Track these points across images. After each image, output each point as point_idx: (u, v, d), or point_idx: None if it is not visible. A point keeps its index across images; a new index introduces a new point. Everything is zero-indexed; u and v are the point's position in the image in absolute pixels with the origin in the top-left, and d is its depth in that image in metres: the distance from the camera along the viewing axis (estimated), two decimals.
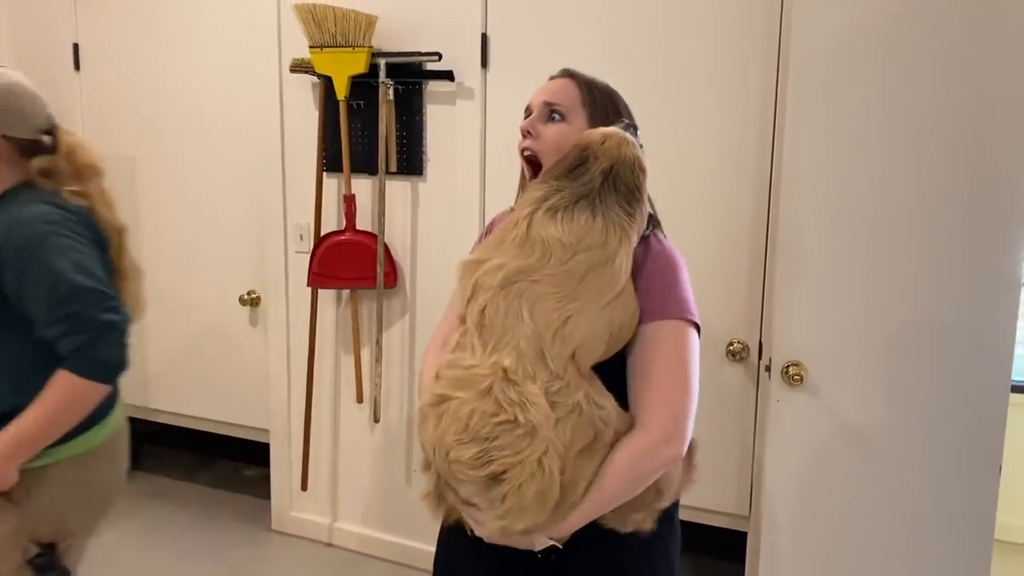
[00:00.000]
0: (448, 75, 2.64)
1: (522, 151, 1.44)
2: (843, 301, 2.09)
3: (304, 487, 3.05)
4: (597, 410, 1.22)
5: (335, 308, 2.99)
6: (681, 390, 1.29)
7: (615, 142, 1.31)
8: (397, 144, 2.74)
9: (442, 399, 1.22)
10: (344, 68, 2.67)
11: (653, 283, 1.32)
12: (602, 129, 1.34)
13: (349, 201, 2.79)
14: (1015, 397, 2.12)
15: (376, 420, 2.89)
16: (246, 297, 3.16)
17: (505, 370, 1.19)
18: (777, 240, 2.14)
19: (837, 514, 2.17)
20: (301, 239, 3.00)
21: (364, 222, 2.85)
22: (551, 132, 1.41)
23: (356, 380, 2.93)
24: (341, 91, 2.70)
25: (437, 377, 1.26)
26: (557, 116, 1.42)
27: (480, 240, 1.56)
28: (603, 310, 1.23)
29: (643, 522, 1.34)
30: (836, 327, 2.12)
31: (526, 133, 1.44)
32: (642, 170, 1.32)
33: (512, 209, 1.54)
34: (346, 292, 2.95)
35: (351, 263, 2.81)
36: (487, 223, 1.63)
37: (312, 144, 2.88)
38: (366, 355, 2.94)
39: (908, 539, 2.12)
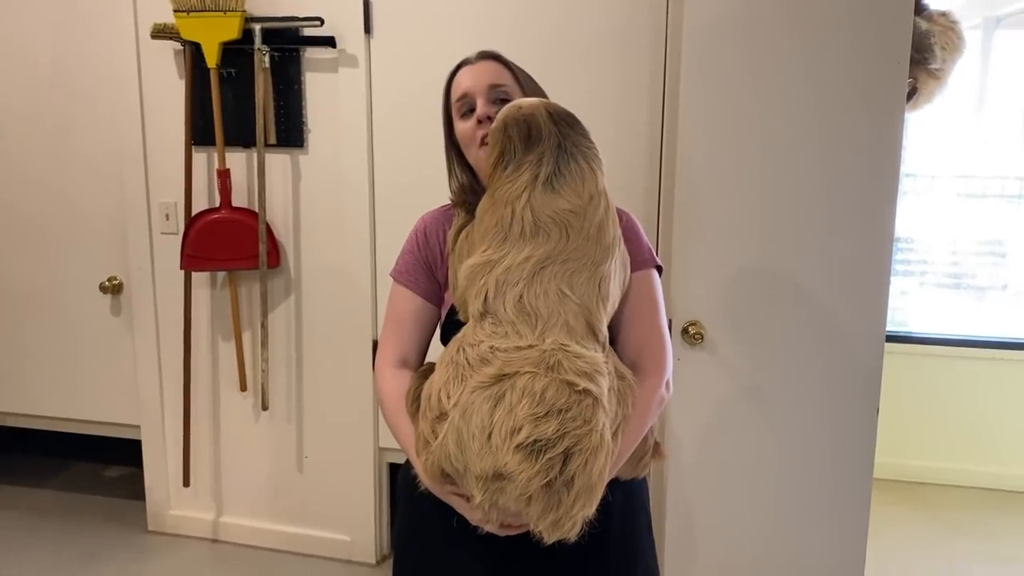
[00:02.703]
0: (329, 41, 2.52)
1: (483, 140, 1.39)
2: (737, 262, 2.19)
3: (186, 483, 2.87)
4: (619, 380, 1.24)
5: (210, 292, 2.81)
6: (665, 334, 1.43)
7: (535, 100, 1.31)
8: (275, 115, 2.59)
9: (497, 379, 1.15)
10: (214, 34, 2.49)
11: (627, 235, 1.38)
12: (514, 101, 1.34)
13: (223, 176, 2.62)
14: (890, 346, 2.30)
15: (264, 408, 2.75)
16: (107, 284, 2.91)
17: (564, 345, 1.17)
18: (674, 204, 2.20)
19: (736, 463, 2.29)
20: (167, 219, 2.79)
21: (240, 199, 2.68)
22: None
23: (238, 367, 2.78)
24: (212, 59, 2.51)
25: (468, 365, 1.18)
26: (503, 97, 1.41)
27: (416, 247, 1.50)
28: (616, 262, 1.27)
29: (647, 466, 1.42)
30: (731, 287, 2.22)
31: (483, 120, 1.39)
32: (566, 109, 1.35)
33: (452, 208, 1.50)
34: (222, 274, 2.78)
35: (228, 243, 2.65)
36: (418, 228, 1.54)
37: (177, 117, 2.68)
38: (248, 340, 2.78)
39: (798, 480, 2.27)
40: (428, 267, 1.49)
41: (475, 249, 1.27)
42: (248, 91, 2.58)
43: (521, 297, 1.19)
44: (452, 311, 1.42)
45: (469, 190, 1.48)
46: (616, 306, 1.30)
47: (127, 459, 3.07)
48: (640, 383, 1.33)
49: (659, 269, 1.47)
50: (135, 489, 3.08)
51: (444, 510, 1.33)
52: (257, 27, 2.49)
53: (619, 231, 1.30)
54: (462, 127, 1.44)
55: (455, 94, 1.46)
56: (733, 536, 2.32)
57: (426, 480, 1.29)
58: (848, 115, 2.12)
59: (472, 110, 1.42)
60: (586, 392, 1.15)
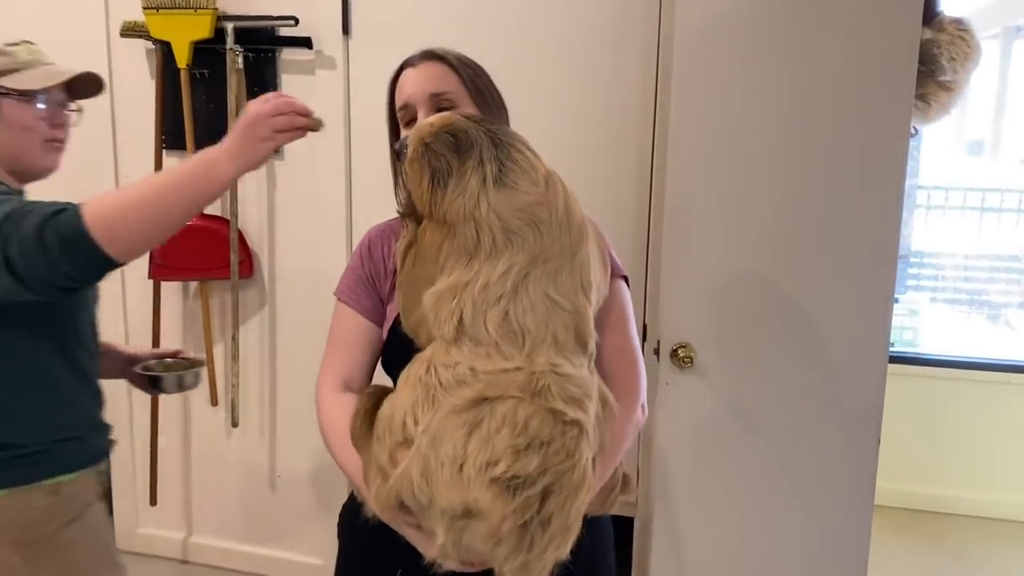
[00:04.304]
0: (306, 42, 2.40)
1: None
2: (730, 280, 2.07)
3: (153, 501, 2.74)
4: (601, 404, 1.12)
5: (181, 302, 2.70)
6: (638, 350, 1.32)
7: (446, 115, 1.18)
8: None
9: (475, 403, 1.02)
10: (185, 33, 2.37)
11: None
12: (418, 126, 1.19)
13: None
14: (896, 367, 2.17)
15: (234, 424, 2.63)
16: None
17: (555, 366, 1.05)
18: (664, 223, 2.09)
19: (728, 495, 2.15)
20: None
21: (211, 206, 2.55)
22: None
23: (209, 381, 2.66)
24: (182, 59, 2.40)
25: (441, 386, 1.05)
26: (446, 106, 1.29)
27: (359, 263, 1.40)
28: (591, 244, 1.15)
29: (615, 501, 1.30)
30: (722, 307, 2.09)
31: None
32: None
33: (399, 220, 1.38)
34: (194, 284, 2.66)
35: (199, 252, 2.53)
36: (362, 243, 1.43)
37: (148, 119, 2.56)
38: (220, 353, 2.66)
39: (794, 513, 2.14)
40: (371, 283, 1.38)
41: (432, 278, 1.13)
42: (221, 93, 2.47)
43: (507, 314, 1.06)
44: (394, 329, 1.30)
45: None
46: (601, 296, 1.18)
47: None
48: (620, 405, 1.20)
49: (625, 280, 1.37)
50: None
51: (393, 545, 1.19)
52: (229, 26, 2.38)
53: (580, 209, 1.17)
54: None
55: (398, 101, 1.34)
56: (725, 573, 2.18)
57: (377, 510, 1.16)
58: (851, 126, 2.00)
59: (415, 120, 1.30)
60: (573, 423, 1.03)
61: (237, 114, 2.39)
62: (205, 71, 2.49)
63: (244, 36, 2.42)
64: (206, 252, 2.53)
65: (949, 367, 3.40)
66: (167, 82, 2.49)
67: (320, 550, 2.70)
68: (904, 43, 1.97)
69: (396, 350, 1.29)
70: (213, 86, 2.49)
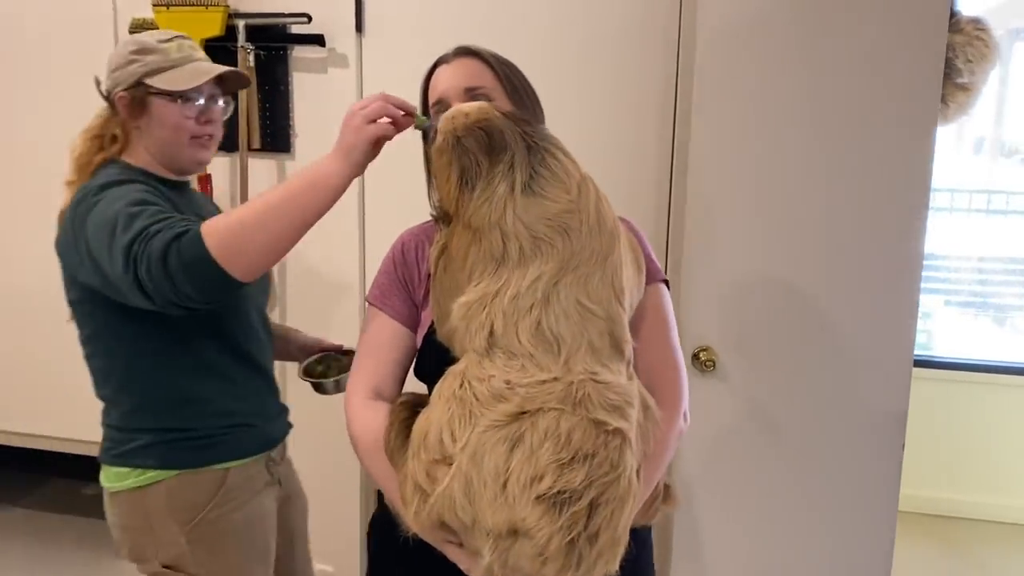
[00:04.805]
0: (318, 40, 2.36)
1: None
2: (751, 284, 2.04)
3: None
4: (643, 411, 1.08)
5: None
6: (680, 356, 1.29)
7: (476, 104, 1.14)
8: (260, 118, 2.44)
9: (515, 417, 0.98)
10: (196, 30, 2.32)
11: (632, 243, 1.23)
12: (452, 110, 1.15)
13: (204, 183, 2.46)
14: (918, 371, 2.13)
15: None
16: None
17: (593, 373, 1.01)
18: (685, 226, 2.05)
19: (750, 501, 2.12)
20: None
21: (222, 206, 2.51)
22: None
23: None
24: None
25: (477, 401, 1.01)
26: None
27: (392, 267, 1.36)
28: (623, 247, 1.11)
29: (656, 512, 1.27)
30: (744, 311, 2.06)
31: None
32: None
33: (433, 223, 1.35)
34: None
35: None
36: (395, 247, 1.40)
37: None
38: None
39: (817, 520, 2.11)
40: (404, 287, 1.34)
41: (462, 285, 1.09)
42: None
43: (539, 324, 1.02)
44: (428, 336, 1.26)
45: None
46: (633, 304, 1.15)
47: None
48: (664, 415, 1.16)
49: (666, 283, 1.34)
50: None
51: (434, 558, 1.16)
52: (241, 23, 2.34)
53: (613, 212, 1.14)
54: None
55: (431, 98, 1.31)
56: None
57: (417, 529, 1.12)
58: (875, 128, 1.97)
59: None
60: (616, 432, 0.99)
61: (247, 114, 2.38)
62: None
63: (256, 34, 2.38)
64: None
65: (963, 370, 3.37)
66: None
67: (330, 557, 2.66)
68: (930, 44, 1.95)
69: (430, 358, 1.25)
70: None
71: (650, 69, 2.22)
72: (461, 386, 1.04)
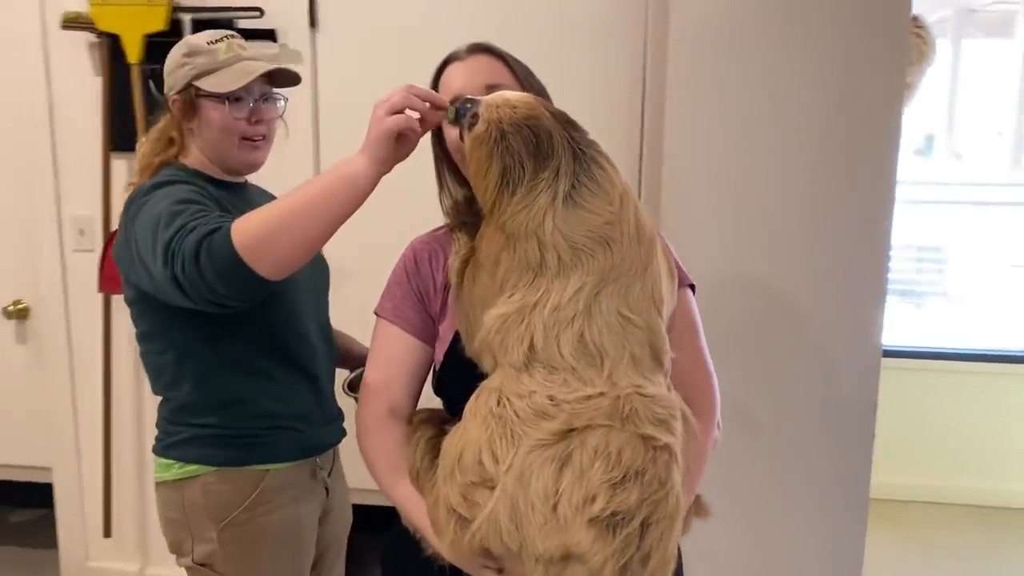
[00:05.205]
0: (270, 35, 2.25)
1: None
2: (721, 279, 2.05)
3: (107, 532, 2.54)
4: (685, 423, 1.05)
5: None
6: (710, 363, 1.27)
7: (524, 96, 1.09)
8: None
9: (562, 436, 0.93)
10: (137, 25, 2.19)
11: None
12: (495, 97, 1.09)
13: None
14: (888, 361, 2.17)
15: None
16: (11, 309, 2.57)
17: (638, 387, 0.97)
18: (660, 217, 2.03)
19: (722, 490, 2.11)
20: (82, 235, 2.46)
21: None
22: None
23: None
24: (134, 53, 2.21)
25: (519, 419, 0.96)
26: None
27: (406, 277, 1.29)
28: (660, 256, 1.08)
29: (689, 525, 1.23)
30: (715, 305, 2.05)
31: None
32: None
33: (447, 230, 1.28)
34: None
35: None
36: (407, 256, 1.32)
37: (92, 118, 2.36)
38: None
39: (789, 509, 2.13)
40: (419, 300, 1.26)
41: (492, 294, 1.04)
42: None
43: (582, 336, 0.98)
44: (452, 351, 1.20)
45: (466, 208, 1.25)
46: (670, 309, 1.11)
47: (35, 500, 2.71)
48: (700, 425, 1.14)
49: (692, 288, 1.30)
50: (46, 536, 2.73)
51: None
52: (187, 18, 2.21)
53: (649, 221, 1.10)
54: (453, 135, 1.22)
55: (444, 97, 1.23)
56: (719, 569, 2.15)
57: (454, 558, 1.06)
58: (843, 123, 2.01)
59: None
60: (664, 448, 0.96)
61: None
62: (159, 66, 2.29)
63: (203, 28, 2.20)
64: None
65: (900, 357, 3.47)
66: (116, 79, 2.29)
67: None
68: (894, 43, 1.98)
69: (454, 374, 1.18)
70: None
71: (618, 70, 2.19)
72: (499, 403, 0.99)
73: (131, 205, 1.39)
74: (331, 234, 1.16)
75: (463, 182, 1.28)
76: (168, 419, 1.55)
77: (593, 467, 0.93)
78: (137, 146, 1.58)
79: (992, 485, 3.47)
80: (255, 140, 1.52)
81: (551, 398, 0.96)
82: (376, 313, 1.30)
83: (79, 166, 2.42)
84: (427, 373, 1.28)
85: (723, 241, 2.04)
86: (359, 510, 1.85)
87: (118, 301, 2.45)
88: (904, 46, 1.99)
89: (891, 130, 2.02)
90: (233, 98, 1.47)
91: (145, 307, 1.49)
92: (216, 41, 1.50)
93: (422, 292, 1.27)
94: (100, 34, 2.24)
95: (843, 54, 1.97)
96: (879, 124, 2.01)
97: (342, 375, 1.67)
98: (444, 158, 1.29)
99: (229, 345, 1.47)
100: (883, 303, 2.09)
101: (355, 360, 1.72)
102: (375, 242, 1.74)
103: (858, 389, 2.10)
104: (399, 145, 1.10)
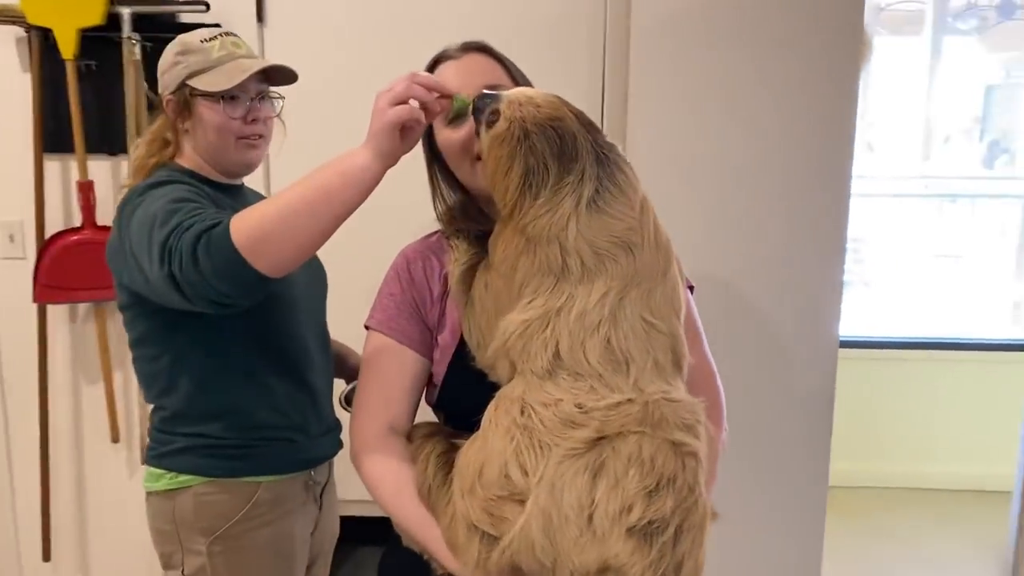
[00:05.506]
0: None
1: (479, 155, 1.12)
2: (684, 272, 2.05)
3: (46, 556, 2.39)
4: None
5: (70, 327, 2.36)
6: (715, 367, 1.27)
7: (545, 94, 1.06)
8: (149, 117, 2.19)
9: (592, 444, 0.90)
10: (71, 19, 2.06)
11: None
12: (515, 93, 1.06)
13: (86, 190, 2.20)
14: (844, 352, 2.22)
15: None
16: None
17: (664, 392, 0.95)
18: None
19: None
20: (12, 241, 2.31)
21: (107, 216, 2.25)
22: None
23: (109, 415, 2.35)
24: (68, 48, 2.08)
25: (546, 428, 0.92)
26: None
27: (400, 288, 1.23)
28: (675, 259, 1.08)
29: None
30: None
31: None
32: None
33: (439, 236, 1.25)
34: (85, 306, 2.34)
35: (94, 270, 2.19)
36: (399, 265, 1.27)
37: (21, 118, 2.21)
38: (122, 382, 2.36)
39: (751, 498, 2.15)
40: (415, 310, 1.22)
41: (507, 300, 1.00)
42: (115, 87, 2.16)
43: (609, 341, 0.95)
44: (456, 362, 1.16)
45: (461, 213, 1.21)
46: (684, 314, 1.09)
47: None
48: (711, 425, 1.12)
49: (691, 289, 1.30)
50: None
51: None
52: (126, 11, 2.09)
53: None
54: (450, 137, 1.18)
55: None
56: None
57: None
58: (800, 120, 2.06)
59: (463, 116, 1.16)
60: (692, 454, 0.95)
61: (136, 112, 2.13)
62: (94, 63, 2.17)
63: (143, 23, 2.12)
64: (102, 269, 2.20)
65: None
66: (47, 76, 2.15)
67: None
68: (848, 40, 2.03)
69: (458, 386, 1.14)
70: (105, 80, 2.17)
71: (576, 70, 2.17)
72: (523, 413, 0.96)
73: (125, 206, 1.35)
74: (333, 230, 1.10)
75: (457, 185, 1.24)
76: (160, 428, 1.51)
77: (628, 475, 0.91)
78: (131, 149, 1.55)
79: (919, 468, 3.61)
80: (252, 139, 1.47)
81: (579, 406, 0.94)
82: (367, 326, 1.24)
83: (7, 168, 2.27)
84: (424, 387, 1.23)
85: (681, 238, 2.03)
86: (353, 522, 1.80)
87: (53, 311, 2.32)
88: (858, 45, 2.04)
89: (846, 127, 2.07)
90: (228, 97, 1.42)
91: (139, 312, 1.44)
92: (210, 39, 1.45)
93: (418, 302, 1.22)
94: (30, 28, 2.10)
95: (800, 53, 2.01)
96: (834, 121, 2.06)
97: (338, 386, 1.62)
98: (436, 162, 1.25)
99: (225, 351, 1.43)
100: (840, 297, 2.14)
101: (351, 371, 1.67)
102: (362, 251, 1.68)
103: (817, 381, 2.15)
104: (403, 137, 1.05)
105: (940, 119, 4.23)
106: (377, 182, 1.07)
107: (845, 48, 2.03)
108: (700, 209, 2.06)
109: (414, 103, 1.04)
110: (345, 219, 1.09)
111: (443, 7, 2.15)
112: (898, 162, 4.01)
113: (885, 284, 3.87)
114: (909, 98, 4.07)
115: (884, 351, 3.63)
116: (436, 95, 1.06)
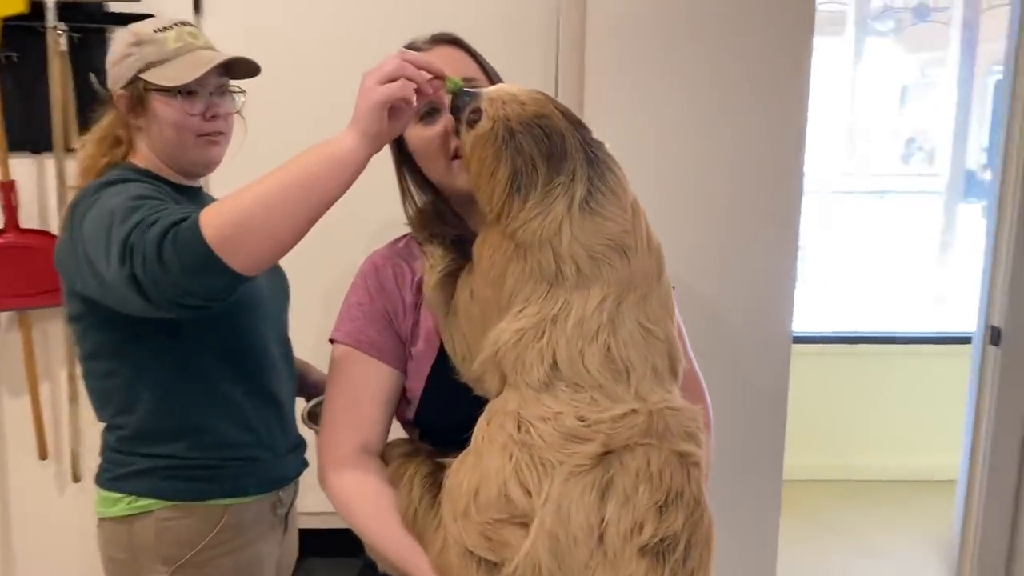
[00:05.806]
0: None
1: (457, 152, 1.07)
2: None
3: None
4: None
5: None
6: (699, 371, 1.26)
7: (529, 91, 1.02)
8: (78, 111, 2.05)
9: (599, 459, 0.86)
10: None
11: None
12: (497, 90, 1.01)
13: (7, 190, 2.05)
14: (798, 347, 2.25)
15: (76, 479, 2.20)
16: None
17: (665, 400, 0.92)
18: None
19: None
20: None
21: (30, 218, 2.12)
22: None
23: (36, 430, 2.20)
24: None
25: (546, 444, 0.88)
26: None
27: (368, 298, 1.17)
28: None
29: None
30: None
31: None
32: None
33: (408, 240, 1.19)
34: (7, 314, 2.18)
35: (16, 275, 2.08)
36: (366, 272, 1.20)
37: None
38: (49, 395, 2.22)
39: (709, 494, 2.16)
40: (387, 321, 1.15)
41: (495, 308, 0.95)
42: (40, 81, 2.02)
43: (609, 350, 0.91)
44: (435, 375, 1.10)
45: (434, 216, 1.16)
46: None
47: None
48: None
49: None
50: None
51: None
52: (51, 0, 1.95)
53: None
54: (423, 134, 1.12)
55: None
56: None
57: None
58: (752, 122, 2.08)
59: (435, 111, 1.11)
60: (695, 464, 0.92)
61: (62, 107, 2.00)
62: (16, 54, 2.02)
63: (69, 12, 1.99)
64: (26, 275, 2.07)
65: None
66: None
67: None
68: (799, 39, 2.06)
69: (438, 400, 1.08)
70: (28, 73, 2.03)
71: (530, 70, 2.13)
72: (520, 428, 0.91)
73: (77, 207, 1.25)
74: (314, 221, 1.02)
75: (428, 186, 1.18)
76: (116, 449, 1.40)
77: (638, 491, 0.87)
78: (78, 148, 1.45)
79: (864, 461, 3.70)
80: (213, 136, 1.38)
81: (581, 419, 0.89)
82: (333, 339, 1.17)
83: None
84: (397, 401, 1.17)
85: None
86: (313, 535, 1.72)
87: None
88: (809, 44, 2.06)
89: (797, 125, 2.09)
90: (186, 92, 1.33)
91: (92, 323, 1.34)
92: (164, 29, 1.36)
93: (389, 312, 1.15)
94: None
95: (752, 52, 2.03)
96: (786, 119, 2.08)
97: (299, 404, 1.53)
98: (405, 163, 1.19)
99: (188, 363, 1.34)
100: (793, 293, 2.16)
101: (312, 387, 1.59)
102: (319, 259, 1.61)
103: (771, 376, 2.17)
104: (391, 119, 0.98)
105: (862, 118, 4.36)
106: (362, 167, 0.99)
107: (796, 47, 2.05)
108: (654, 207, 2.02)
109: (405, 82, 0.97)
110: (326, 210, 1.01)
111: (392, 6, 2.07)
112: (825, 160, 4.11)
113: (820, 280, 3.95)
114: (834, 97, 4.18)
115: (820, 345, 3.69)
116: (428, 76, 1.00)
